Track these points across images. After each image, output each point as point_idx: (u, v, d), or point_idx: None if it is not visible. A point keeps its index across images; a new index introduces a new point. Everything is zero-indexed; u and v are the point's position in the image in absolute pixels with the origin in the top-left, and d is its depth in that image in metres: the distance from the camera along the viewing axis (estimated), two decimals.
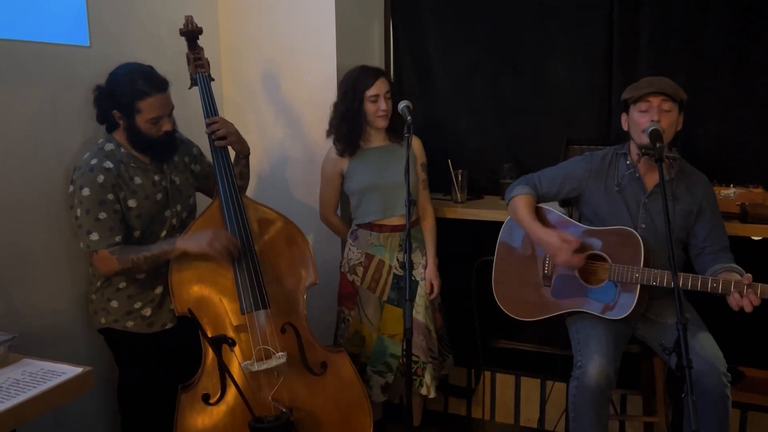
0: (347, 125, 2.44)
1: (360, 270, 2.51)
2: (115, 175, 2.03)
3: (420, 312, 2.49)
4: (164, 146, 2.13)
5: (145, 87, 2.01)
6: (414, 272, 2.50)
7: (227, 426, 2.06)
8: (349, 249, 2.55)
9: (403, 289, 2.43)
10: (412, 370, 2.49)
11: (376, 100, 2.41)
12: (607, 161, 2.27)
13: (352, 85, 2.43)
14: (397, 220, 2.49)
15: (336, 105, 2.50)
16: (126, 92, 2.01)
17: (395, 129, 2.48)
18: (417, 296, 2.50)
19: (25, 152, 2.08)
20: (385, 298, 2.50)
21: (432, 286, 2.52)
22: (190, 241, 2.06)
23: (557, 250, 2.18)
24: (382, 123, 2.45)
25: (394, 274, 2.49)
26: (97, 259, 2.04)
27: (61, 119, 2.18)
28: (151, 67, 2.07)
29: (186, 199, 2.27)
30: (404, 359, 1.96)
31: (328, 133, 2.52)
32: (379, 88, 2.41)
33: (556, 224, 2.30)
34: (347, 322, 2.54)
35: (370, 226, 2.50)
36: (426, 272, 2.52)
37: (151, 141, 2.08)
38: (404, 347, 1.90)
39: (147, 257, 2.04)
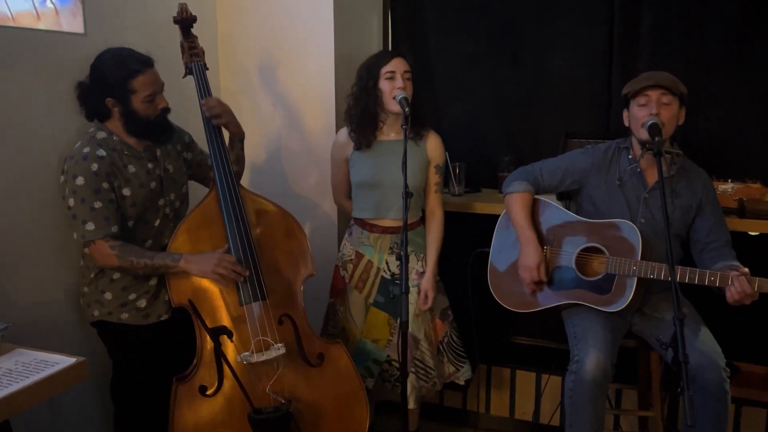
0: (360, 109, 2.28)
1: (350, 267, 2.43)
2: (108, 163, 2.00)
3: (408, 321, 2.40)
4: (162, 126, 2.11)
5: (135, 65, 1.99)
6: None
7: (225, 418, 2.05)
8: (344, 244, 2.48)
9: (396, 294, 2.31)
10: (392, 376, 2.40)
11: (393, 77, 2.22)
12: (609, 155, 2.26)
13: (367, 66, 2.29)
14: (389, 222, 2.36)
15: (350, 93, 2.35)
16: (117, 74, 1.98)
17: (414, 123, 2.27)
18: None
19: (19, 141, 2.06)
20: (371, 300, 2.39)
21: (426, 296, 2.33)
22: (194, 264, 2.04)
23: (525, 270, 2.23)
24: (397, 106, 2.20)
25: (382, 277, 2.38)
26: (95, 251, 2.01)
27: (55, 108, 2.15)
28: (131, 48, 2.05)
29: (179, 188, 2.24)
30: (400, 354, 1.90)
31: (346, 124, 2.41)
32: (395, 65, 2.23)
33: (555, 223, 2.29)
34: (337, 316, 2.48)
35: (363, 224, 2.41)
36: (423, 281, 2.35)
37: (149, 122, 2.05)
38: (400, 341, 1.87)
39: (147, 264, 2.02)
